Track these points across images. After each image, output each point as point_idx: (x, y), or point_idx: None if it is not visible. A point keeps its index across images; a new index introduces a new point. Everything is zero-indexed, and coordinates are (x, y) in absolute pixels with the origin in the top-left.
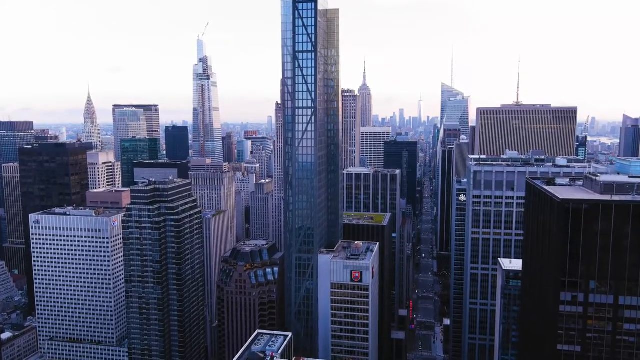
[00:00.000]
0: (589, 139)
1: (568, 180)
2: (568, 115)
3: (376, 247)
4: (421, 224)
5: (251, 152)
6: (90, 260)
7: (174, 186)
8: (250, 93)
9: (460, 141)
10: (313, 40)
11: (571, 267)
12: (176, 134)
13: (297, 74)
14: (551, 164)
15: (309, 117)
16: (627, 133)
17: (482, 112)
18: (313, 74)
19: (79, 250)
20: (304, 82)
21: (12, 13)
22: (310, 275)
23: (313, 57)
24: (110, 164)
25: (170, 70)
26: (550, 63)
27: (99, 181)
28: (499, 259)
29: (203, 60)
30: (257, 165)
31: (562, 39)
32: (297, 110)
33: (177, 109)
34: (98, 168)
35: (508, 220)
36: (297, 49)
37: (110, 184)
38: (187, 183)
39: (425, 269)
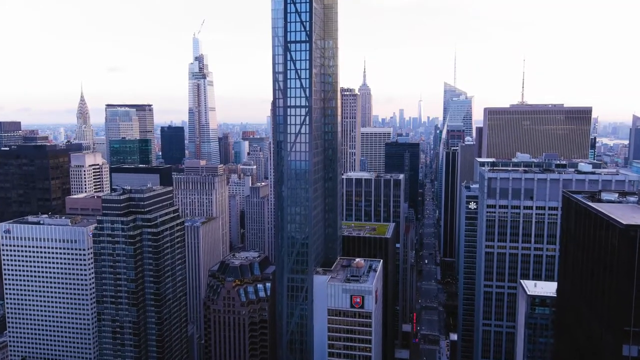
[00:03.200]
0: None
1: (617, 195)
2: (582, 115)
3: (380, 266)
4: (423, 228)
5: (248, 154)
6: (66, 273)
7: (152, 195)
8: (251, 93)
9: (465, 142)
10: (307, 28)
11: (638, 313)
12: (172, 134)
13: (289, 68)
14: (573, 169)
15: (302, 117)
16: (637, 134)
17: (490, 112)
18: (307, 67)
19: (53, 263)
20: (296, 77)
21: (14, 14)
22: (304, 299)
23: (307, 49)
24: (97, 167)
25: (171, 70)
26: (550, 63)
27: (85, 185)
28: (521, 280)
29: (199, 59)
30: (254, 167)
31: (561, 40)
32: (289, 109)
33: (178, 109)
34: (84, 171)
35: (526, 233)
36: (289, 39)
37: (98, 189)
38: (167, 191)
39: (428, 276)
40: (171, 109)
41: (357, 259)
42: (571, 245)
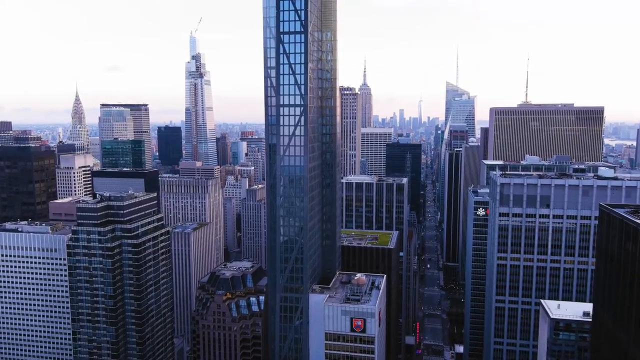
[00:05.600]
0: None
1: None
2: (594, 115)
3: (383, 282)
4: (424, 231)
5: (246, 154)
6: (43, 285)
7: (133, 202)
8: (251, 92)
9: (469, 143)
10: (303, 17)
11: None
12: (169, 134)
13: (282, 62)
14: (592, 174)
15: (297, 117)
16: None
17: (497, 112)
18: (302, 61)
19: (31, 274)
20: (290, 72)
21: (14, 14)
22: (299, 320)
23: (302, 40)
24: (88, 169)
25: (171, 70)
26: (550, 63)
27: (74, 188)
28: (542, 301)
29: (196, 58)
30: (252, 168)
31: (560, 40)
32: (282, 108)
33: (177, 108)
34: (74, 173)
35: (542, 243)
36: (281, 30)
37: (88, 192)
38: (151, 197)
39: (430, 282)
40: (170, 108)
41: (358, 275)
42: (612, 269)
